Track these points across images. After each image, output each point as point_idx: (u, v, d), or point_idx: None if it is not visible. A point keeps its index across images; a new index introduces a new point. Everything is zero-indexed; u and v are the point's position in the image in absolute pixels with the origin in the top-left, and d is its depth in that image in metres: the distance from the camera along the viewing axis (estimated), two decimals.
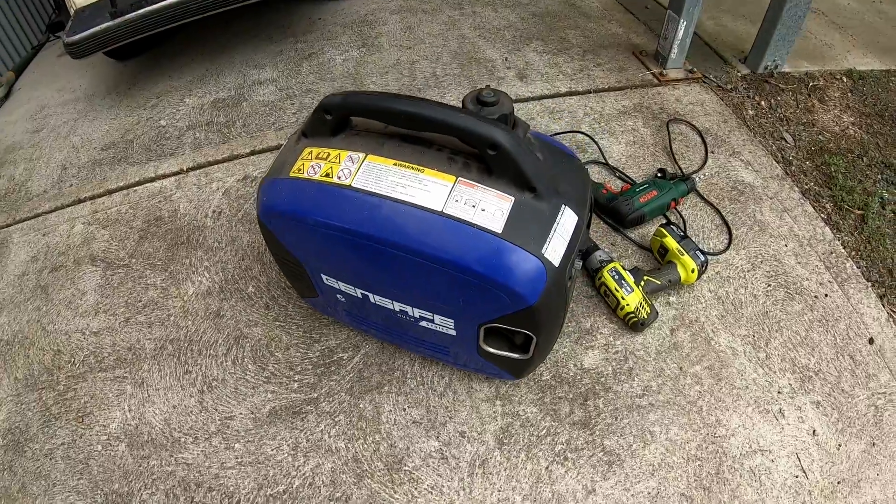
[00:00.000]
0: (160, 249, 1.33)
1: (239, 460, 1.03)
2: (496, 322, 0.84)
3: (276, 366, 1.13)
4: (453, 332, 0.91)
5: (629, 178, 1.38)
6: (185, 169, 1.48)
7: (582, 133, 1.47)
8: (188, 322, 1.20)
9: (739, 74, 1.67)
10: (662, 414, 1.03)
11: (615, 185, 1.37)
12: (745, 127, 1.50)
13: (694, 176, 1.38)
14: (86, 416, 1.11)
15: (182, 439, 1.07)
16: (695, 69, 1.67)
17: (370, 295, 0.92)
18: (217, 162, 1.50)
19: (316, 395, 1.09)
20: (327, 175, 0.82)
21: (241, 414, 1.08)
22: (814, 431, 1.02)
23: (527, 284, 0.74)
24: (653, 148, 1.46)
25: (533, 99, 1.60)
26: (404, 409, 1.06)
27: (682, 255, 1.14)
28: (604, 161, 1.41)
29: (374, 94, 0.79)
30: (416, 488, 0.98)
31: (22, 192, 1.56)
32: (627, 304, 1.09)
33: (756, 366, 1.08)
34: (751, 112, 1.55)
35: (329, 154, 0.84)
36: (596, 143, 1.45)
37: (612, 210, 1.28)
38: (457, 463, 1.00)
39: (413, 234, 0.75)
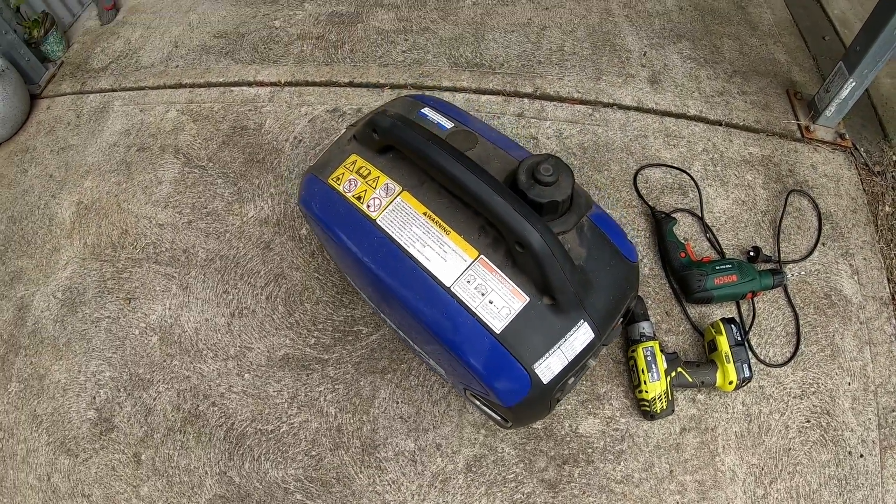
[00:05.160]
0: (236, 161, 1.40)
1: (244, 389, 1.16)
2: (477, 396, 0.85)
3: (302, 315, 1.21)
4: (445, 376, 0.94)
5: (718, 244, 1.26)
6: (282, 82, 1.50)
7: (688, 175, 1.33)
8: (240, 244, 1.29)
9: (894, 158, 1.39)
10: None
11: (699, 248, 1.25)
12: (873, 225, 1.29)
13: (788, 270, 1.23)
14: (133, 299, 1.27)
15: (204, 351, 1.20)
16: (846, 135, 1.41)
17: (380, 312, 0.95)
18: (314, 84, 1.50)
19: (327, 357, 1.17)
20: (359, 198, 0.82)
21: (258, 349, 1.19)
22: None
23: (506, 390, 0.72)
24: (761, 216, 1.29)
25: (655, 112, 1.44)
26: (397, 403, 1.12)
27: (728, 362, 1.06)
28: (699, 215, 1.28)
29: (424, 134, 0.75)
30: (379, 476, 1.06)
31: (133, 60, 1.66)
32: (646, 392, 1.05)
33: (748, 501, 1.03)
34: (888, 209, 1.31)
35: (370, 172, 0.83)
36: (699, 190, 1.31)
37: (681, 279, 1.19)
38: (423, 469, 1.07)
39: (416, 297, 0.75)
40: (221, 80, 1.53)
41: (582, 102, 1.43)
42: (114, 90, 1.58)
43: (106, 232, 1.34)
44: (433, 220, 0.77)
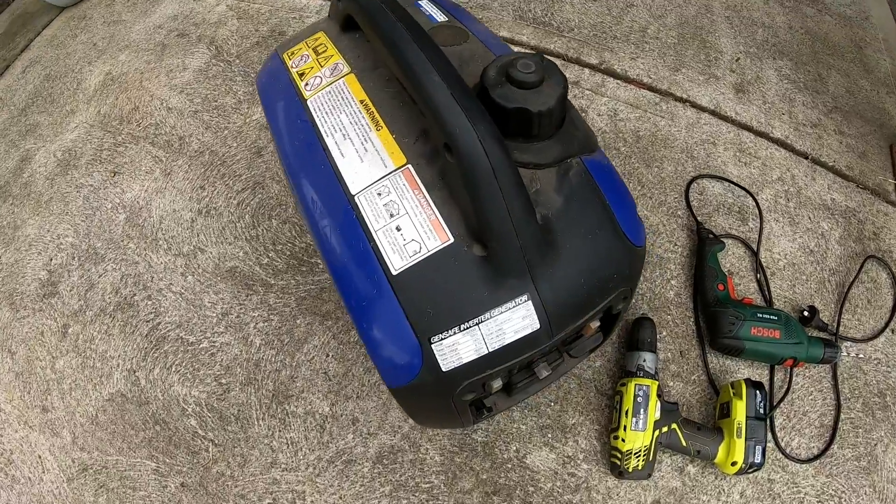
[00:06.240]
0: (260, 62, 1.18)
1: (182, 292, 0.95)
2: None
3: (265, 230, 0.98)
4: None
5: (768, 290, 0.89)
6: None
7: (753, 199, 0.96)
8: (234, 143, 1.08)
9: None
10: None
11: (744, 288, 0.89)
12: None
13: (845, 347, 0.86)
14: (118, 174, 1.09)
15: (161, 241, 1.00)
16: None
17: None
18: None
19: (273, 282, 0.93)
20: (302, 75, 0.56)
21: (210, 253, 0.97)
22: None
23: (387, 360, 0.44)
24: (828, 275, 0.91)
25: (733, 122, 1.08)
26: (327, 355, 0.86)
27: (739, 437, 0.71)
28: (754, 249, 0.91)
29: (389, 5, 0.47)
30: (280, 430, 0.82)
31: None
32: (623, 440, 0.72)
33: None
34: None
35: (326, 49, 0.58)
36: (761, 220, 0.94)
37: (711, 316, 0.84)
38: (329, 441, 0.80)
39: (314, 198, 0.48)
40: None
41: (650, 89, 1.09)
42: None
43: (120, 105, 1.18)
44: (368, 110, 0.50)
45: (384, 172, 0.47)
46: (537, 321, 0.44)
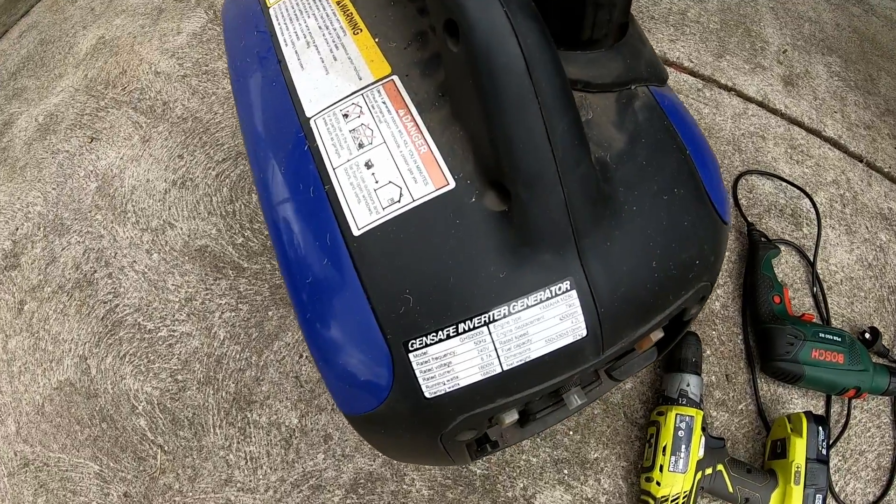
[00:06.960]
0: None
1: (145, 271, 0.79)
2: None
3: (243, 206, 0.82)
4: None
5: (824, 303, 0.71)
6: None
7: (811, 200, 0.78)
8: (220, 110, 0.93)
9: None
10: None
11: (799, 303, 0.70)
12: None
13: None
14: (96, 140, 0.94)
15: (129, 214, 0.84)
16: None
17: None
18: None
19: (247, 265, 0.77)
20: None
21: (181, 229, 0.81)
22: None
23: (339, 376, 0.26)
24: (888, 293, 0.73)
25: (782, 116, 0.90)
26: (300, 356, 0.69)
27: (797, 483, 0.53)
28: (810, 258, 0.73)
29: None
30: (238, 441, 0.65)
31: None
32: (658, 483, 0.54)
33: None
34: None
35: None
36: (819, 226, 0.76)
37: (763, 334, 0.65)
38: (294, 460, 0.63)
39: (257, 130, 0.30)
40: None
41: (692, 73, 0.92)
42: None
43: (108, 69, 1.03)
44: (345, 11, 0.33)
45: (356, 87, 0.29)
46: (583, 325, 0.25)
